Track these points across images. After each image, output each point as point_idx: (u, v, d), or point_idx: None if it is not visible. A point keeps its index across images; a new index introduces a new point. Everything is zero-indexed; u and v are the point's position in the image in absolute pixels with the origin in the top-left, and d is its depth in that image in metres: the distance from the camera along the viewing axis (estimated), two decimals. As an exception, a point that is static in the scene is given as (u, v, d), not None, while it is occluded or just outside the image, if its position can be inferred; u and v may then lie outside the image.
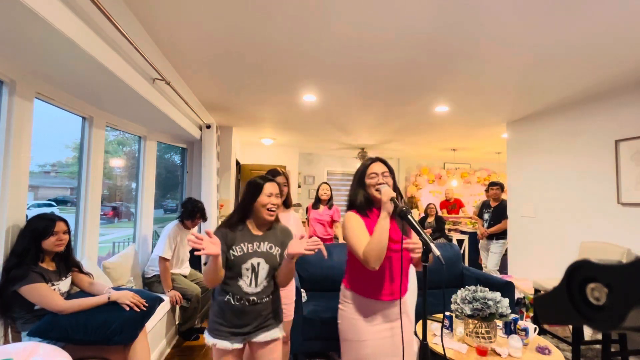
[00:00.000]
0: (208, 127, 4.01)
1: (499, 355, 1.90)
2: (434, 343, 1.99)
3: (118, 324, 1.71)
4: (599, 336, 2.87)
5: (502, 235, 4.55)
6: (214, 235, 1.40)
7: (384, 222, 1.40)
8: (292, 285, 2.25)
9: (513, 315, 2.13)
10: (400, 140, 5.98)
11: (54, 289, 1.73)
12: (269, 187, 1.60)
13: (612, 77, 2.78)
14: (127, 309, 1.79)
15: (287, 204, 2.26)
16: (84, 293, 1.89)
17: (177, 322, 3.13)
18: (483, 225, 4.82)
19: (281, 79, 3.00)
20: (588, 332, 3.10)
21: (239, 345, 1.54)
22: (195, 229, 3.35)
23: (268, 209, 1.59)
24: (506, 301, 2.03)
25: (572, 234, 3.46)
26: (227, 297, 1.53)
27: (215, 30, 2.14)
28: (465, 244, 6.01)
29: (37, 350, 1.42)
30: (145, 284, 3.07)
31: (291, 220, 2.24)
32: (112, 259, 2.70)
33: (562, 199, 3.60)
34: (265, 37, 2.22)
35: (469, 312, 2.00)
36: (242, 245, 1.56)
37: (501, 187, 4.78)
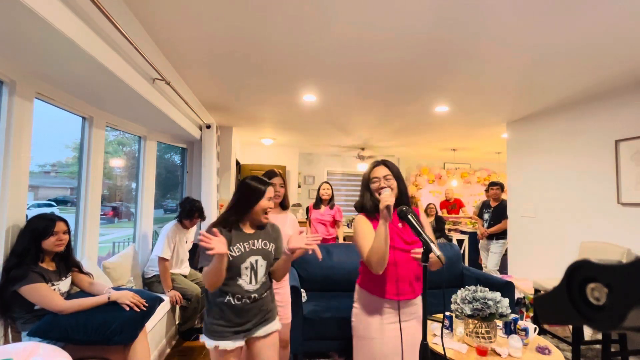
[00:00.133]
0: (208, 127, 4.01)
1: (499, 355, 1.90)
2: (434, 343, 1.99)
3: (118, 324, 1.71)
4: (599, 336, 2.87)
5: (502, 235, 4.55)
6: (220, 235, 1.40)
7: (381, 230, 1.42)
8: (287, 287, 2.23)
9: (513, 315, 2.13)
10: (400, 140, 5.98)
11: (54, 289, 1.73)
12: (270, 192, 1.63)
13: (612, 77, 2.78)
14: (127, 309, 1.79)
15: (284, 205, 2.24)
16: (84, 293, 1.89)
17: (177, 322, 3.13)
18: (483, 225, 4.82)
19: (281, 79, 3.00)
20: (588, 332, 3.10)
21: (241, 343, 1.56)
22: (194, 228, 3.35)
23: (266, 212, 1.63)
24: (506, 301, 2.03)
25: (572, 234, 3.46)
26: (227, 297, 1.53)
27: (215, 30, 2.14)
28: (465, 244, 6.01)
29: (37, 350, 1.42)
30: (145, 284, 3.07)
31: (288, 222, 2.22)
32: (112, 259, 2.70)
33: (562, 199, 3.60)
34: (265, 37, 2.22)
35: (469, 312, 2.00)
36: (238, 245, 1.57)
37: (501, 187, 4.78)
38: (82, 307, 1.72)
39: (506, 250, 4.46)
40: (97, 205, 2.58)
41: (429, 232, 1.56)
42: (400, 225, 1.60)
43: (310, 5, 1.84)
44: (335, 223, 4.10)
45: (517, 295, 3.47)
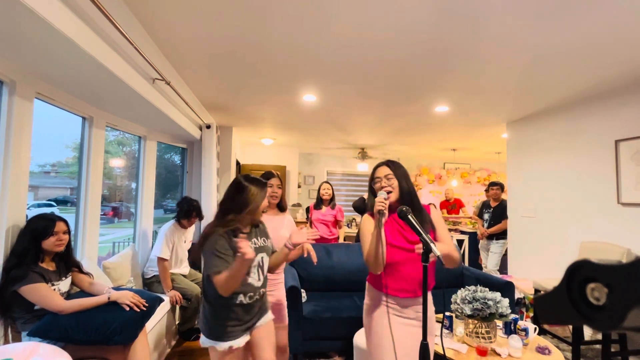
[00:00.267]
0: (208, 127, 4.01)
1: (499, 355, 1.90)
2: (434, 343, 1.99)
3: (118, 324, 1.71)
4: (599, 336, 2.87)
5: (502, 235, 4.55)
6: (246, 240, 1.45)
7: (373, 232, 1.46)
8: (282, 289, 2.22)
9: (513, 315, 2.13)
10: (400, 140, 5.98)
11: (54, 289, 1.73)
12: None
13: (612, 77, 2.78)
14: (127, 309, 1.79)
15: (281, 206, 2.23)
16: (84, 293, 1.89)
17: (177, 322, 3.13)
18: (483, 225, 4.82)
19: (281, 79, 3.00)
20: (588, 332, 3.10)
21: (247, 338, 1.61)
22: (193, 227, 3.34)
23: (263, 211, 1.68)
24: (506, 301, 2.03)
25: (572, 234, 3.46)
26: (239, 298, 1.55)
27: (215, 30, 2.14)
28: (465, 244, 6.01)
29: (37, 350, 1.43)
30: (144, 284, 3.07)
31: (285, 223, 2.22)
32: (112, 259, 2.70)
33: (562, 199, 3.60)
34: (265, 37, 2.22)
35: (469, 312, 2.00)
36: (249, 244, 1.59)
37: (501, 187, 4.78)
38: (82, 307, 1.72)
39: (506, 250, 4.46)
40: (97, 205, 2.58)
41: (442, 229, 1.57)
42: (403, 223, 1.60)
43: (310, 5, 1.84)
44: (336, 223, 4.09)
45: (517, 295, 3.47)
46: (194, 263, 3.40)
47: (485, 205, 4.90)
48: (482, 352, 1.89)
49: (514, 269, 4.20)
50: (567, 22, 1.95)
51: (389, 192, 1.55)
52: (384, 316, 1.55)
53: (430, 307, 1.63)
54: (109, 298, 1.80)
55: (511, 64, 2.54)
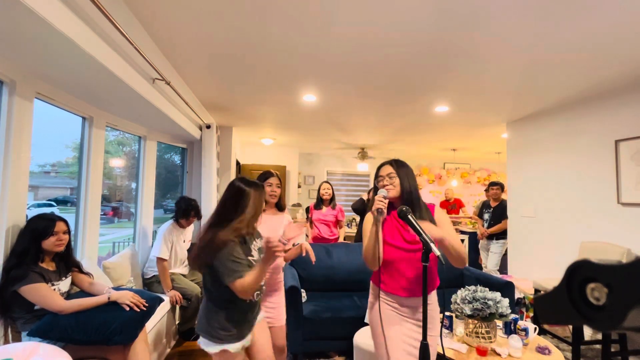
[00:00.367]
0: (208, 127, 4.01)
1: (499, 355, 1.90)
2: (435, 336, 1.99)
3: (118, 324, 1.71)
4: (599, 336, 2.87)
5: (502, 235, 4.55)
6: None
7: (372, 230, 1.48)
8: (281, 289, 2.22)
9: (513, 315, 2.13)
10: (400, 140, 5.98)
11: (54, 289, 1.73)
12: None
13: (612, 77, 2.78)
14: (127, 309, 1.79)
15: (280, 206, 2.23)
16: (84, 293, 1.89)
17: (177, 322, 3.13)
18: (483, 225, 4.82)
19: (281, 79, 3.00)
20: (588, 332, 3.10)
21: (250, 335, 1.64)
22: (192, 227, 3.34)
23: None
24: (506, 301, 2.03)
25: (572, 234, 3.46)
26: (250, 297, 1.56)
27: (215, 30, 2.14)
28: (465, 244, 6.00)
29: (37, 350, 1.43)
30: (144, 284, 3.07)
31: (284, 222, 2.21)
32: (112, 259, 2.70)
33: (562, 199, 3.60)
34: (265, 37, 2.22)
35: (469, 312, 2.00)
36: (251, 247, 1.61)
37: (501, 187, 4.78)
38: (82, 307, 1.72)
39: (506, 250, 4.45)
40: (97, 205, 2.58)
41: (448, 228, 1.56)
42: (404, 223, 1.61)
43: (311, 5, 1.84)
44: (337, 223, 4.09)
45: (517, 295, 3.47)
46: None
47: (485, 205, 4.90)
48: (482, 352, 1.89)
49: (514, 269, 4.20)
50: (567, 22, 1.95)
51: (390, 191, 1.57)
52: (384, 313, 1.57)
53: (435, 307, 1.62)
54: (109, 298, 1.80)
55: (511, 63, 2.54)
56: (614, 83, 2.92)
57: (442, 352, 1.60)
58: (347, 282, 3.29)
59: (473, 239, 5.90)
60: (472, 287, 2.11)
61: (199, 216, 3.24)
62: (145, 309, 1.85)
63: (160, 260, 2.90)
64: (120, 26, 1.66)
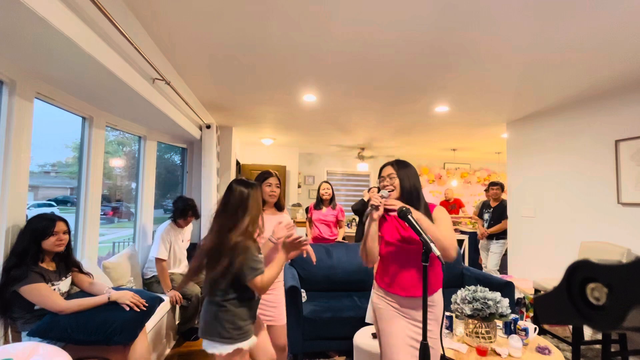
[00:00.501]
0: (208, 127, 4.01)
1: (499, 355, 1.90)
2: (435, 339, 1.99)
3: (118, 324, 1.71)
4: (599, 336, 2.87)
5: (502, 235, 4.55)
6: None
7: (367, 229, 1.53)
8: (281, 288, 2.22)
9: (513, 315, 2.13)
10: (401, 140, 5.98)
11: (54, 289, 1.73)
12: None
13: (612, 77, 2.78)
14: (127, 309, 1.79)
15: (279, 206, 2.23)
16: (84, 293, 1.89)
17: (177, 322, 3.13)
18: (483, 225, 4.82)
19: (281, 79, 3.00)
20: (588, 332, 3.10)
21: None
22: (190, 226, 3.33)
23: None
24: (506, 301, 2.03)
25: (572, 234, 3.46)
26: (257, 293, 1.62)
27: (215, 30, 2.14)
28: (465, 244, 6.01)
29: (37, 350, 1.43)
30: (144, 284, 3.06)
31: (285, 222, 2.21)
32: (112, 259, 2.70)
33: (562, 199, 3.60)
34: (265, 37, 2.22)
35: (469, 312, 2.00)
36: (259, 247, 1.65)
37: (501, 187, 4.78)
38: (82, 307, 1.72)
39: (506, 250, 4.45)
40: (97, 205, 2.58)
41: (442, 225, 1.55)
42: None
43: (310, 4, 1.84)
44: (337, 223, 4.08)
45: (517, 295, 3.47)
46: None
47: (485, 205, 4.90)
48: (482, 352, 1.89)
49: (514, 269, 4.20)
50: (567, 22, 1.95)
51: (390, 191, 1.59)
52: (385, 311, 1.58)
53: (438, 310, 1.60)
54: (109, 298, 1.80)
55: (511, 63, 2.54)
56: (614, 83, 2.92)
57: (442, 353, 1.60)
58: (347, 282, 3.29)
59: (473, 239, 5.90)
60: (472, 287, 2.11)
61: (196, 216, 3.23)
62: (145, 309, 1.85)
63: (158, 260, 2.90)
64: (120, 26, 1.66)
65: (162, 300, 2.03)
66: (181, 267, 3.20)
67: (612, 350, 2.69)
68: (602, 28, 2.00)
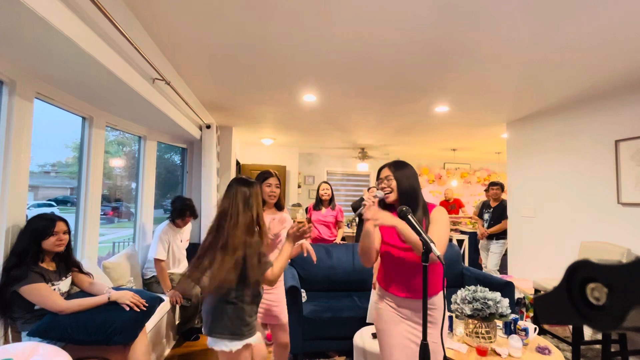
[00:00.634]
0: (208, 127, 4.01)
1: (499, 355, 1.90)
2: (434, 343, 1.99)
3: (118, 324, 1.71)
4: (599, 336, 2.87)
5: (502, 235, 4.55)
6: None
7: (365, 229, 1.51)
8: (281, 287, 2.22)
9: (513, 315, 2.13)
10: (401, 140, 5.98)
11: (54, 289, 1.73)
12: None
13: (613, 76, 2.78)
14: (127, 309, 1.79)
15: (279, 206, 2.23)
16: (84, 293, 1.89)
17: (177, 322, 3.13)
18: (483, 226, 4.82)
19: (281, 79, 3.00)
20: (588, 332, 3.10)
21: None
22: (189, 226, 3.33)
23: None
24: (506, 301, 2.03)
25: (572, 234, 3.46)
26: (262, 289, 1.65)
27: (215, 30, 2.14)
28: (465, 244, 6.01)
29: (37, 350, 1.43)
30: (144, 284, 3.06)
31: (286, 223, 2.22)
32: (112, 259, 2.70)
33: (562, 199, 3.60)
34: (265, 37, 2.22)
35: (469, 312, 2.00)
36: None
37: (501, 187, 4.78)
38: (82, 307, 1.72)
39: (506, 250, 4.45)
40: (97, 205, 2.58)
41: (437, 226, 1.54)
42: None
43: (310, 4, 1.84)
44: (337, 223, 4.08)
45: (517, 295, 3.47)
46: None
47: (485, 205, 4.90)
48: (482, 352, 1.89)
49: (514, 269, 4.20)
50: (567, 22, 1.95)
51: (387, 193, 1.59)
52: (384, 311, 1.58)
53: (439, 312, 1.58)
54: (109, 298, 1.80)
55: (511, 63, 2.54)
56: (614, 83, 2.92)
57: (444, 356, 1.59)
58: (347, 282, 3.29)
59: (473, 239, 5.90)
60: (472, 287, 2.11)
61: (194, 216, 3.21)
62: (145, 309, 1.85)
63: (157, 261, 2.90)
64: (120, 26, 1.66)
65: (162, 300, 2.03)
66: (180, 267, 3.20)
67: (612, 350, 2.69)
68: (602, 28, 2.00)
